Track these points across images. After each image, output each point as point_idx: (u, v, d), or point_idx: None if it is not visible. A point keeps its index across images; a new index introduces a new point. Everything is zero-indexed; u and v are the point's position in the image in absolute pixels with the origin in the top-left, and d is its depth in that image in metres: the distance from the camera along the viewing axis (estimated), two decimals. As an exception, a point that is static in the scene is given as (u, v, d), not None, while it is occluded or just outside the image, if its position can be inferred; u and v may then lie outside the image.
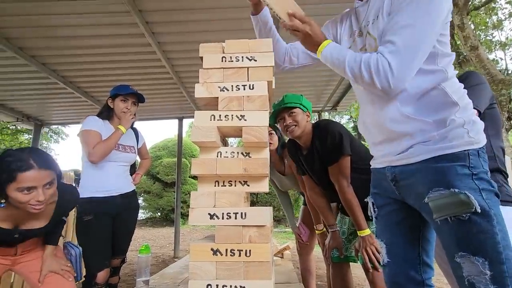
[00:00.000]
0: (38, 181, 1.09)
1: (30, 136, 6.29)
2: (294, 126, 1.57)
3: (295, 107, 1.58)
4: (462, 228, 0.77)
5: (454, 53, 0.91)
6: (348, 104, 5.20)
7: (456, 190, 0.78)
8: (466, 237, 0.77)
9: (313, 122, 1.72)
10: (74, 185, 2.99)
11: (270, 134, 2.04)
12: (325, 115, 5.53)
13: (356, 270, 2.15)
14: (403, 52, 0.80)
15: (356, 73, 0.85)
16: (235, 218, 0.79)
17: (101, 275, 1.65)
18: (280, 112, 1.62)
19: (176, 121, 5.21)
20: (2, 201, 1.11)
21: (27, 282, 1.33)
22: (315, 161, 1.62)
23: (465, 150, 0.81)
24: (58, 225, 1.38)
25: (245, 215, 0.79)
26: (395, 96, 0.89)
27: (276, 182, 2.26)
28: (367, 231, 1.45)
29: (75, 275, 1.39)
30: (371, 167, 1.09)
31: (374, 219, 1.06)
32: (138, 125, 2.17)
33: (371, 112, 0.98)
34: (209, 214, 0.80)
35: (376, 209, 1.04)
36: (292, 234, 2.28)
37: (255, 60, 0.88)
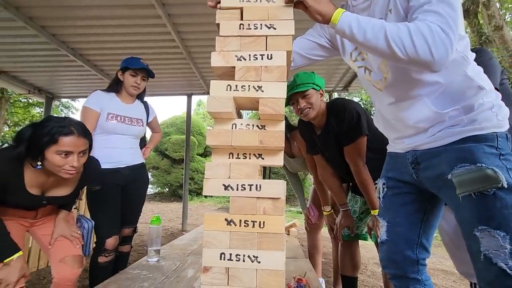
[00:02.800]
0: (76, 147, 1.16)
1: (42, 109, 6.37)
2: (308, 109, 1.51)
3: (308, 89, 1.51)
4: (486, 203, 0.76)
5: (467, 35, 0.87)
6: (360, 86, 5.06)
7: (483, 165, 0.77)
8: (488, 212, 0.76)
9: (326, 101, 1.67)
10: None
11: None
12: (336, 96, 5.42)
13: (361, 249, 2.18)
14: (450, 20, 0.71)
15: (406, 44, 0.71)
16: (250, 189, 0.79)
17: (110, 242, 1.71)
18: (292, 95, 1.54)
19: (184, 98, 5.19)
20: (39, 163, 1.17)
21: (38, 243, 1.41)
22: (330, 140, 1.60)
23: (493, 133, 0.80)
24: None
25: (260, 187, 0.78)
26: (422, 93, 0.85)
27: (285, 164, 2.26)
28: None
29: (83, 243, 1.44)
30: (388, 151, 1.08)
31: (380, 199, 1.08)
32: (146, 100, 2.16)
33: (394, 111, 0.94)
34: (223, 185, 0.80)
35: (385, 189, 1.05)
36: (298, 213, 2.31)
37: (275, 28, 0.83)
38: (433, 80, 0.84)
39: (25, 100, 10.74)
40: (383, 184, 1.06)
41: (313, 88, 1.52)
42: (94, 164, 1.42)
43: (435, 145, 0.88)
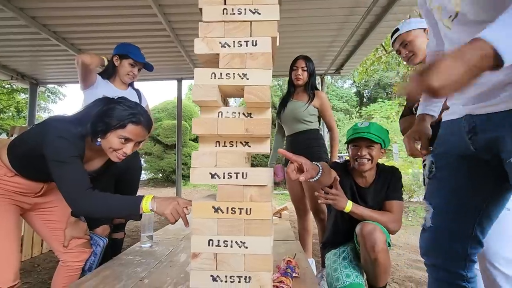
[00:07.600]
0: (136, 137, 1.19)
1: (27, 95, 6.18)
2: (368, 160, 1.49)
3: (378, 142, 1.48)
4: None
5: None
6: (352, 68, 5.03)
7: None
8: None
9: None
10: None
11: (303, 70, 2.14)
12: (328, 79, 5.38)
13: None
14: None
15: None
16: (236, 178, 0.80)
17: (98, 231, 1.70)
18: (357, 139, 1.50)
19: (175, 83, 5.09)
20: (99, 139, 1.19)
21: (38, 231, 1.39)
22: (374, 197, 1.56)
23: None
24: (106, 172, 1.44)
25: (246, 175, 0.79)
26: None
27: (287, 109, 2.22)
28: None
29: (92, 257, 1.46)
30: (442, 121, 0.93)
31: (427, 179, 0.95)
32: (138, 88, 2.12)
33: None
34: (210, 173, 0.81)
35: (434, 169, 0.91)
36: (289, 196, 2.35)
37: (259, 14, 0.81)
38: None
39: (9, 86, 10.37)
40: (432, 162, 0.92)
41: (380, 144, 1.51)
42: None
43: (498, 109, 0.71)
